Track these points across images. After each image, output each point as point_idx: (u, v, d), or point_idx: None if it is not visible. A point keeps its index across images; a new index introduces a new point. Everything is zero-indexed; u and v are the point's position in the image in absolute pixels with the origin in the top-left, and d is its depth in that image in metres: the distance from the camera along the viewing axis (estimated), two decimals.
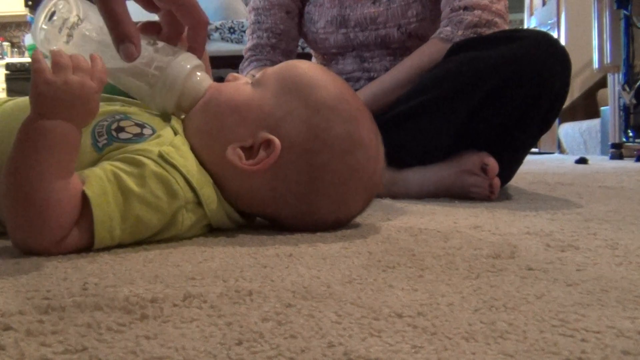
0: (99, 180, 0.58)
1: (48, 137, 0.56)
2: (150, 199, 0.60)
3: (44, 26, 0.68)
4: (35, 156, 0.55)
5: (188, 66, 0.70)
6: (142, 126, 0.67)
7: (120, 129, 0.65)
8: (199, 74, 0.72)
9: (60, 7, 0.68)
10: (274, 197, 0.67)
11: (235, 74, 0.75)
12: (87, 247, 0.58)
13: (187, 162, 0.64)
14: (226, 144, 0.66)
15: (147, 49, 0.69)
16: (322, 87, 0.68)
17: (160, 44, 0.71)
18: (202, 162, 0.66)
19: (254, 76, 0.73)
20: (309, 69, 0.71)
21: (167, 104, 0.70)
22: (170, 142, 0.65)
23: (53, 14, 0.68)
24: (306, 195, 0.67)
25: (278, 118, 0.67)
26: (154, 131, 0.66)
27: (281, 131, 0.66)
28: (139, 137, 0.65)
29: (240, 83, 0.72)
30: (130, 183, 0.59)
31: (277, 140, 0.65)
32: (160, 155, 0.62)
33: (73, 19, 0.68)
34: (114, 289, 0.44)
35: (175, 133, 0.68)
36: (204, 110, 0.70)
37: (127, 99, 0.75)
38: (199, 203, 0.65)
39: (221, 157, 0.66)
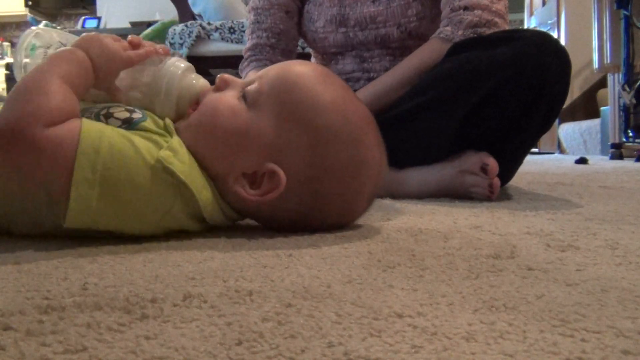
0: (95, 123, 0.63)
1: (70, 56, 0.65)
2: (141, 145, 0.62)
3: (25, 60, 0.70)
4: (51, 64, 0.64)
5: (179, 72, 0.70)
6: (131, 111, 0.66)
7: (109, 115, 0.65)
8: (192, 75, 0.71)
9: (39, 38, 0.71)
10: (275, 215, 0.68)
11: (226, 77, 0.70)
12: (70, 151, 0.58)
13: (185, 166, 0.63)
14: (227, 170, 0.65)
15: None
16: (323, 109, 0.65)
17: None
18: (199, 164, 0.65)
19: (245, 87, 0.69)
20: (308, 86, 0.66)
21: (167, 111, 0.69)
22: (168, 146, 0.63)
23: (34, 46, 0.71)
24: (308, 214, 0.67)
25: (279, 148, 0.64)
26: (143, 115, 0.66)
27: (284, 160, 0.64)
28: (127, 123, 0.64)
29: (234, 98, 0.67)
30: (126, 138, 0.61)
31: (282, 174, 0.63)
32: (159, 162, 0.61)
33: (56, 45, 0.70)
34: (114, 289, 0.44)
35: (166, 126, 0.67)
36: (199, 130, 0.67)
37: None
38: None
39: (222, 176, 0.65)
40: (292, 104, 0.65)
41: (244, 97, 0.67)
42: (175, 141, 0.64)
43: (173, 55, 0.73)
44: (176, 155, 0.63)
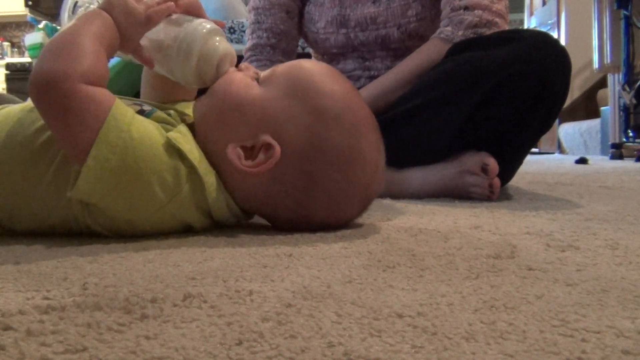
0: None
1: (99, 17, 0.66)
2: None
3: (71, 13, 0.73)
4: (83, 23, 0.65)
5: (201, 34, 0.69)
6: (140, 104, 0.69)
7: None
8: (217, 38, 0.70)
9: None
10: (270, 197, 0.68)
11: (247, 64, 0.74)
12: (103, 111, 0.60)
13: (193, 148, 0.66)
14: (228, 141, 0.67)
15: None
16: (329, 94, 0.68)
17: (174, 16, 0.71)
18: (205, 153, 0.67)
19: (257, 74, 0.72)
20: (318, 73, 0.70)
21: (187, 75, 0.70)
22: (177, 129, 0.67)
23: (76, 4, 0.73)
24: (302, 199, 0.67)
25: (281, 122, 0.66)
26: (152, 107, 0.69)
27: (282, 136, 0.66)
28: (140, 114, 0.66)
29: (249, 76, 0.71)
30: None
31: (277, 147, 0.65)
32: (168, 141, 0.64)
33: (94, 6, 0.73)
34: (114, 289, 0.44)
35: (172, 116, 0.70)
36: (211, 99, 0.70)
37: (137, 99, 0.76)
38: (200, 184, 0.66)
39: (223, 151, 0.67)
40: (300, 84, 0.68)
41: (257, 79, 0.71)
42: (184, 127, 0.68)
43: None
44: (184, 137, 0.66)
